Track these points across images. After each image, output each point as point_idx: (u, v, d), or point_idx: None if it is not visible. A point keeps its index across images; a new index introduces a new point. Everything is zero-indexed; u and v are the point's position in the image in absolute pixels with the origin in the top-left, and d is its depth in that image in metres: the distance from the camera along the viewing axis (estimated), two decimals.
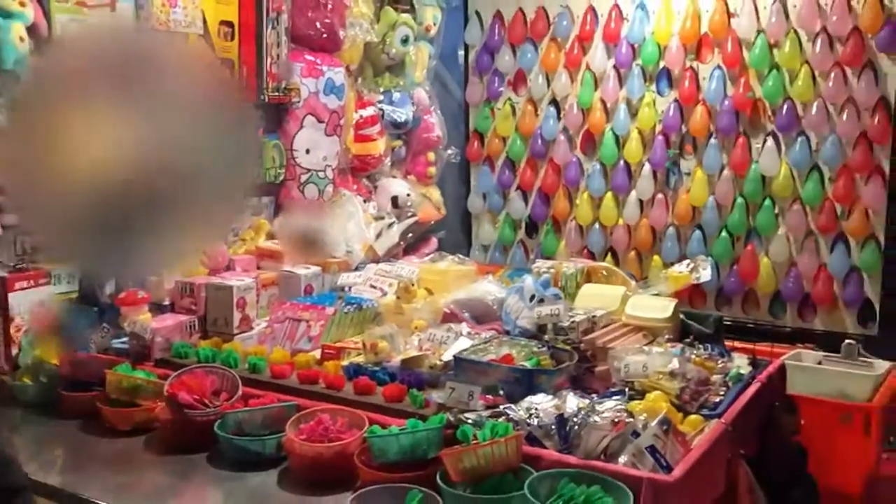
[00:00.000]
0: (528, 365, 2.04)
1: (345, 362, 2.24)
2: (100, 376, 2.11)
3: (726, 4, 3.72)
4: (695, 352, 2.22)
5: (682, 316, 2.44)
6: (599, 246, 4.13)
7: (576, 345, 2.26)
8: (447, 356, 2.13)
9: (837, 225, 3.64)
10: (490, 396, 1.91)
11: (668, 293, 2.51)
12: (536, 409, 1.82)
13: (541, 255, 4.26)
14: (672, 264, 3.90)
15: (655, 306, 2.41)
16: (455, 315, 2.42)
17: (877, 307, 3.61)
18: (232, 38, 2.95)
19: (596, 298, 2.48)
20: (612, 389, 2.03)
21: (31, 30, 2.28)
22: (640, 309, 2.39)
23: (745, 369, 2.23)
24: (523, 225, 4.35)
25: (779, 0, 3.61)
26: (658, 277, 2.55)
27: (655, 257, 4.01)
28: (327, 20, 3.17)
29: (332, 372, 2.13)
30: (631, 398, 1.98)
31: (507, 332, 2.36)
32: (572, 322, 2.28)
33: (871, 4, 3.43)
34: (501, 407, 1.86)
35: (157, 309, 2.43)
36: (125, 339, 2.32)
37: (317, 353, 2.30)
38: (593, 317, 2.33)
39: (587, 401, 1.87)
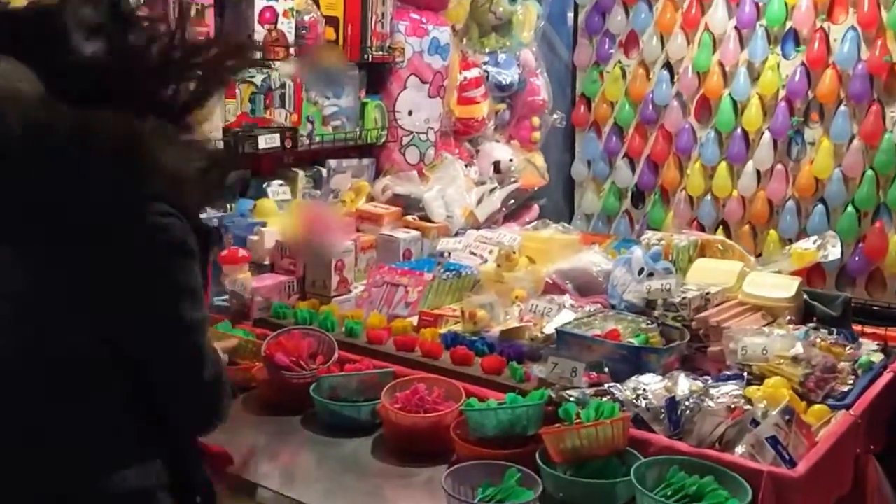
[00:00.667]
0: (635, 342, 1.92)
1: (442, 330, 2.17)
2: None
3: None
4: (820, 336, 2.05)
5: (805, 296, 2.25)
6: (711, 218, 3.91)
7: (687, 323, 2.12)
8: (549, 329, 2.03)
9: None
10: (594, 374, 1.80)
11: (790, 271, 2.32)
12: (645, 389, 1.71)
13: (647, 226, 4.08)
14: (790, 240, 3.72)
15: (776, 284, 2.23)
16: (557, 286, 2.31)
17: None
18: None
19: (710, 274, 2.31)
20: (727, 373, 1.89)
21: None
22: (760, 287, 2.22)
23: (876, 357, 2.04)
24: (629, 194, 4.17)
25: None
26: (780, 253, 2.37)
27: (772, 232, 3.76)
28: None
29: (430, 339, 2.06)
30: (749, 383, 1.83)
31: (613, 307, 2.24)
32: (684, 298, 2.13)
33: None
34: (606, 386, 1.76)
35: (257, 269, 2.42)
36: (226, 296, 2.32)
37: (414, 320, 2.24)
38: (707, 293, 2.18)
39: (700, 384, 1.74)
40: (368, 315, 2.25)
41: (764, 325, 2.14)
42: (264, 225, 2.51)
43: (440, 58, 3.18)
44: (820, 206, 3.63)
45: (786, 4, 3.59)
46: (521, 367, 1.90)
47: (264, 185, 2.74)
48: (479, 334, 2.09)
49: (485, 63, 3.52)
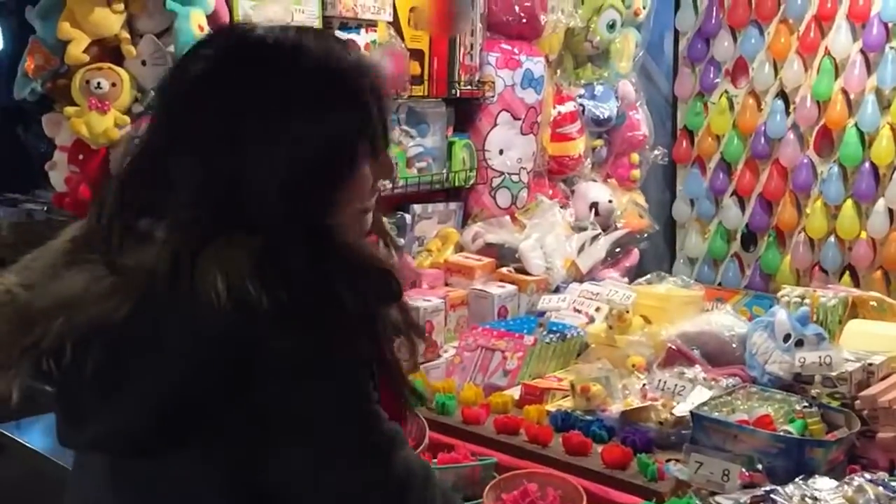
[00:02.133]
0: (793, 431, 1.57)
1: (550, 406, 1.86)
2: None
3: None
4: None
5: None
6: (835, 263, 3.49)
7: (848, 401, 1.76)
8: (681, 409, 1.70)
9: None
10: (747, 472, 1.46)
11: None
12: (817, 498, 1.36)
13: (759, 271, 3.70)
14: None
15: None
16: (682, 353, 1.97)
17: None
18: None
19: (867, 339, 1.95)
20: None
21: (212, 18, 2.07)
22: None
23: None
24: (738, 236, 3.78)
25: None
26: None
27: None
28: (527, 3, 2.81)
29: (536, 420, 1.76)
30: None
31: (754, 380, 1.88)
32: (843, 371, 1.77)
33: None
34: (762, 489, 1.41)
35: None
36: None
37: (514, 392, 1.93)
38: (869, 364, 1.81)
39: (888, 493, 1.38)
40: (462, 386, 1.96)
41: None
42: None
43: (534, 91, 2.90)
44: None
45: None
46: (652, 460, 1.56)
47: None
48: (595, 413, 1.77)
49: (580, 96, 3.24)
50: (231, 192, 0.99)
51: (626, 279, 3.12)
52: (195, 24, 1.99)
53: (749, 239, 3.77)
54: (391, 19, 2.48)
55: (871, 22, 3.30)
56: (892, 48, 3.28)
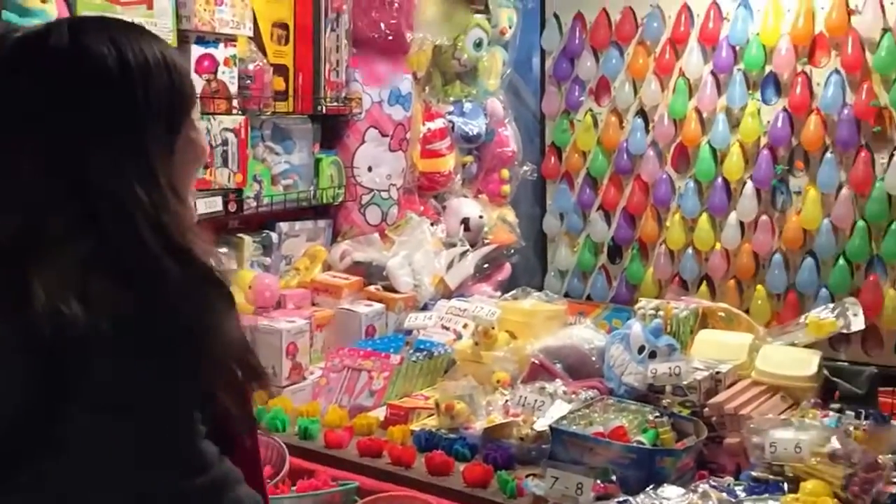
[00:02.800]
0: (646, 441, 1.62)
1: (415, 426, 1.85)
2: None
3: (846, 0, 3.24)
4: (851, 422, 1.77)
5: (826, 372, 1.98)
6: (693, 273, 3.67)
7: (698, 409, 1.83)
8: (541, 424, 1.72)
9: None
10: (601, 484, 1.49)
11: (806, 342, 2.06)
12: None
13: (625, 282, 3.83)
14: (779, 296, 3.51)
15: (794, 360, 1.97)
16: (545, 367, 2.01)
17: None
18: (286, 42, 2.62)
19: (716, 348, 2.04)
20: (755, 474, 1.60)
21: None
22: (776, 363, 1.95)
23: None
24: (605, 249, 3.91)
25: None
26: (794, 323, 2.10)
27: (759, 287, 3.53)
28: (393, 21, 2.81)
29: (400, 441, 1.74)
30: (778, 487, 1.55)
31: (611, 391, 1.94)
32: (693, 380, 1.85)
33: None
34: (615, 501, 1.45)
35: None
36: None
37: (380, 413, 1.91)
38: (717, 373, 1.90)
39: (731, 499, 1.44)
40: (327, 408, 1.92)
41: (786, 410, 1.86)
42: None
43: (401, 108, 2.91)
44: (809, 260, 3.41)
45: (764, 48, 3.40)
46: (512, 476, 1.58)
47: None
48: (458, 431, 1.77)
49: (449, 113, 3.26)
50: (52, 195, 0.94)
51: (498, 293, 3.16)
52: None
53: (615, 251, 3.91)
54: (251, 34, 2.42)
55: (721, 45, 3.50)
56: (739, 70, 3.48)
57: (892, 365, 3.34)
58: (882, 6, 3.17)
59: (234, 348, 0.99)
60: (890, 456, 1.70)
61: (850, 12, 3.25)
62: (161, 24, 2.18)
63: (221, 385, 0.98)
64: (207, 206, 2.33)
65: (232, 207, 2.42)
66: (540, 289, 4.01)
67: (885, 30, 3.17)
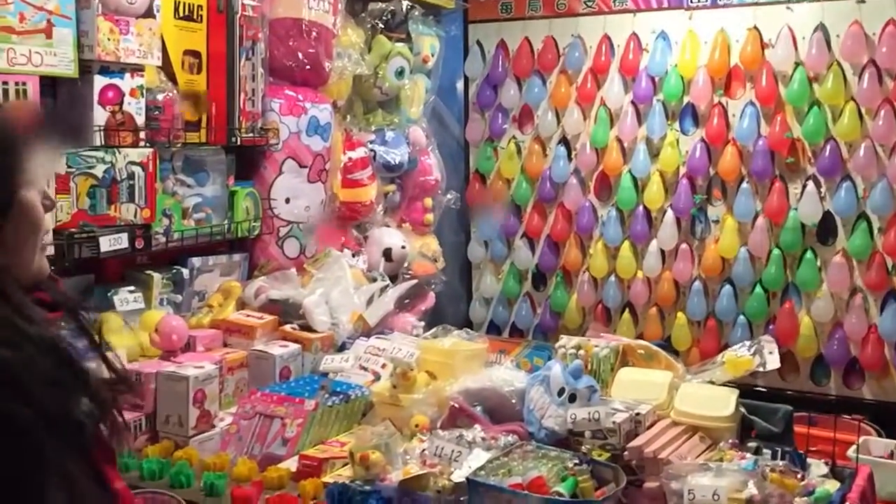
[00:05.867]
0: (564, 491, 1.58)
1: (329, 477, 1.77)
2: None
3: (760, 34, 3.33)
4: (767, 463, 1.77)
5: (743, 410, 1.98)
6: (616, 301, 3.70)
7: (618, 451, 1.81)
8: (458, 475, 1.67)
9: (889, 281, 3.22)
10: None
11: (723, 380, 2.06)
12: None
13: (549, 310, 3.83)
14: (699, 322, 3.55)
15: (712, 398, 1.96)
16: (464, 410, 1.96)
17: None
18: (199, 71, 2.52)
19: (636, 387, 2.03)
20: None
21: None
22: (694, 403, 1.95)
23: (832, 485, 1.78)
24: (530, 276, 3.91)
25: (820, 29, 3.22)
26: (711, 361, 2.11)
27: (679, 314, 3.58)
28: (311, 50, 2.74)
29: (312, 496, 1.66)
30: None
31: (531, 435, 1.90)
32: (613, 423, 1.82)
33: None
34: None
35: None
36: None
37: (293, 464, 1.83)
38: (637, 414, 1.88)
39: None
40: (236, 460, 1.83)
41: (705, 451, 1.85)
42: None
43: (320, 138, 2.83)
44: (728, 287, 3.48)
45: (682, 79, 3.46)
46: None
47: (109, 294, 2.28)
48: (374, 483, 1.70)
49: (371, 142, 3.20)
50: None
51: (422, 322, 3.10)
52: None
53: (539, 279, 3.91)
54: (160, 63, 2.32)
55: (640, 76, 3.54)
56: (658, 100, 3.53)
57: (806, 391, 3.43)
58: (794, 40, 3.27)
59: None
60: (805, 498, 1.71)
61: (763, 45, 3.33)
62: (61, 53, 2.07)
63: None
64: (112, 243, 2.21)
65: (139, 244, 2.30)
66: (465, 316, 4.02)
67: (798, 63, 3.26)
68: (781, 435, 1.98)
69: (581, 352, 2.13)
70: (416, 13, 3.29)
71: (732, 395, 1.97)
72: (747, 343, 2.09)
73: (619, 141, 3.62)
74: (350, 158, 3.08)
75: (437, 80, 3.56)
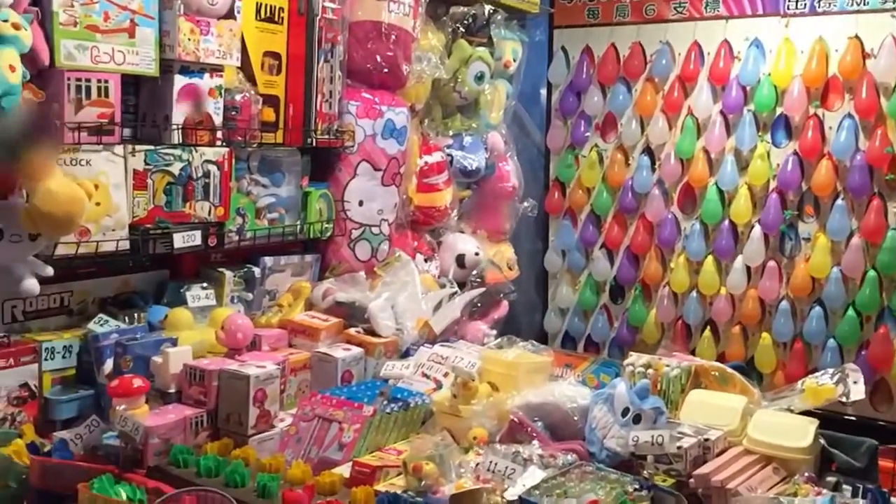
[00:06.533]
0: None
1: (382, 485, 1.75)
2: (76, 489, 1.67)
3: (861, 43, 3.15)
4: (846, 500, 1.65)
5: (822, 442, 1.86)
6: (697, 317, 3.56)
7: (683, 478, 1.72)
8: (512, 493, 1.61)
9: None
10: None
11: (802, 409, 1.94)
12: None
13: (626, 323, 3.73)
14: (785, 344, 3.38)
15: (789, 427, 1.85)
16: (523, 425, 1.90)
17: None
18: (278, 72, 2.54)
19: (707, 410, 1.93)
20: None
21: (28, 59, 1.90)
22: (769, 431, 1.83)
23: None
24: (607, 288, 3.81)
25: None
26: (790, 388, 1.99)
27: (765, 335, 3.41)
28: (390, 53, 2.73)
29: (362, 503, 1.63)
30: None
31: (592, 455, 1.83)
32: (679, 448, 1.73)
33: None
34: None
35: (161, 398, 1.99)
36: (115, 436, 1.88)
37: (347, 469, 1.81)
38: (706, 440, 1.78)
39: None
40: (291, 462, 1.82)
41: (779, 483, 1.74)
42: (174, 343, 2.08)
43: (395, 142, 2.82)
44: (817, 309, 3.30)
45: (775, 89, 3.31)
46: None
47: (182, 290, 2.33)
48: (426, 495, 1.67)
49: (448, 146, 3.18)
50: None
51: (494, 331, 3.06)
52: (5, 65, 1.82)
53: (617, 291, 3.80)
54: (238, 64, 2.35)
55: (731, 84, 3.40)
56: (749, 110, 3.38)
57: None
58: None
59: None
60: None
61: (865, 55, 3.15)
62: (143, 52, 2.12)
63: None
64: (185, 240, 2.25)
65: (212, 241, 2.34)
66: (540, 327, 3.94)
67: None
68: (864, 470, 1.85)
69: (650, 370, 2.04)
70: (499, 17, 3.25)
71: (812, 425, 1.85)
72: (830, 370, 1.96)
73: (706, 152, 3.49)
74: (426, 162, 3.07)
75: (519, 86, 3.51)
